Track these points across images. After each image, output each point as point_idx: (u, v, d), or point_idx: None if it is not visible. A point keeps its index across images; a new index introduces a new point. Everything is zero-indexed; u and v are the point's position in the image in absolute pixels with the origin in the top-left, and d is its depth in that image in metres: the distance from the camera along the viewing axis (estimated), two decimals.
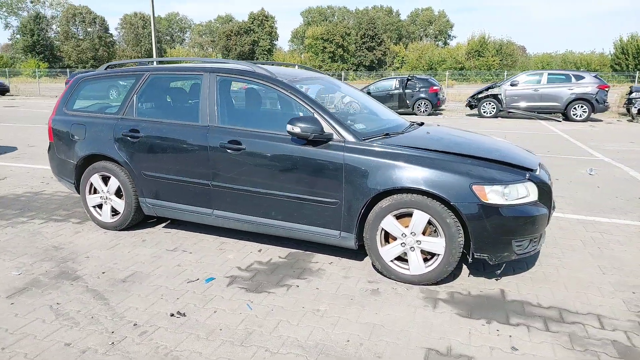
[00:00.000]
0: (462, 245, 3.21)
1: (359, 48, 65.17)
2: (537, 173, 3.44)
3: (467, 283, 3.42)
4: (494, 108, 17.04)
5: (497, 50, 54.14)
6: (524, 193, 3.26)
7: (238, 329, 2.76)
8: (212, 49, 67.71)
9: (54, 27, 62.20)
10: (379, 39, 65.43)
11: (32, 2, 61.29)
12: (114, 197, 4.28)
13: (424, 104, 18.01)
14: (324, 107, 3.57)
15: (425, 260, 3.36)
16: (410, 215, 3.29)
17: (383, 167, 3.30)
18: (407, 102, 18.07)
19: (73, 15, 60.94)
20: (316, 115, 3.51)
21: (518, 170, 3.33)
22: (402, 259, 3.43)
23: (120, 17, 78.01)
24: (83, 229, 4.42)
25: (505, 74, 36.61)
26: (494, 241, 3.18)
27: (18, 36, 59.78)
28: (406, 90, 18.11)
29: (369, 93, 18.39)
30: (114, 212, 4.33)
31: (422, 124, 4.44)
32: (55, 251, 3.88)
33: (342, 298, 3.16)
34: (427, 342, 2.67)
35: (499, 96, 16.87)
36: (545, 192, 3.37)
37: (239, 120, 3.84)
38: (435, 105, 18.15)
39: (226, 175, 3.77)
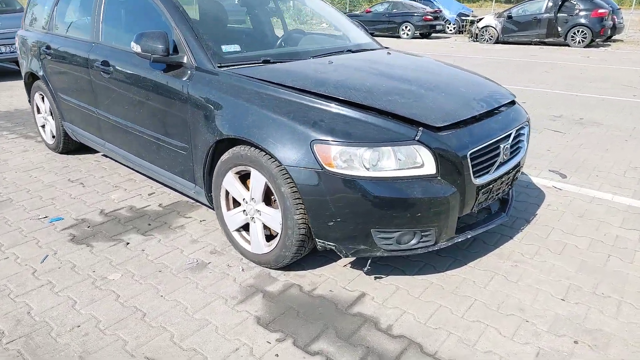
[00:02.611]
0: (301, 226, 2.27)
1: None
2: (446, 133, 2.21)
3: (328, 275, 2.48)
4: None
5: None
6: (416, 161, 2.13)
7: None
8: None
9: None
10: None
11: None
12: (50, 119, 4.14)
13: (581, 32, 14.53)
14: (186, 21, 2.74)
15: (272, 237, 2.50)
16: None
17: (226, 106, 2.44)
18: (559, 29, 14.77)
19: None
20: (177, 32, 2.72)
21: (406, 127, 2.16)
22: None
23: None
24: (34, 148, 4.42)
25: None
26: (342, 227, 2.18)
27: None
28: (559, 15, 14.76)
29: (509, 17, 15.49)
30: (53, 133, 4.20)
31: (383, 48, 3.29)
32: None
33: (153, 268, 2.54)
34: (155, 349, 1.95)
35: None
36: (452, 164, 2.17)
37: (117, 37, 3.22)
38: (598, 33, 14.44)
39: (104, 102, 3.27)
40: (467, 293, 2.36)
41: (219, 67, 2.60)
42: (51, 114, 4.09)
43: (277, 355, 1.94)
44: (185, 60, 2.65)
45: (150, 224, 3.01)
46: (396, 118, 2.21)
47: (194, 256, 2.66)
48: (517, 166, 2.61)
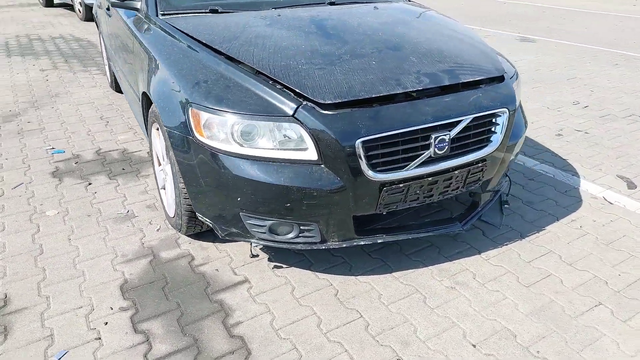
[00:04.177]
0: (186, 196, 2.11)
1: None
2: (334, 112, 1.79)
3: (230, 252, 2.30)
4: None
5: None
6: (298, 143, 1.81)
7: None
8: None
9: None
10: None
11: None
12: (108, 62, 4.49)
13: None
14: None
15: None
16: None
17: (149, 57, 2.34)
18: None
19: None
20: None
21: (287, 99, 1.81)
22: None
23: None
24: (102, 85, 4.87)
25: None
26: (212, 204, 1.96)
27: None
28: None
29: None
30: None
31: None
32: (50, 98, 4.46)
33: (86, 211, 2.64)
34: (18, 290, 2.04)
35: None
36: (337, 151, 1.77)
37: None
38: None
39: (114, 46, 3.40)
40: (359, 307, 1.97)
41: (162, 14, 2.47)
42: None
43: (106, 323, 1.88)
44: (139, 5, 2.58)
45: (124, 169, 3.11)
46: (287, 88, 1.85)
47: (132, 207, 2.68)
48: (474, 164, 2.01)
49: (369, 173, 1.79)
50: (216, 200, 1.92)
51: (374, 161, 1.80)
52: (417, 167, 1.87)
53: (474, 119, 1.96)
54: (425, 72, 1.97)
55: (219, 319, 1.90)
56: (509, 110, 2.05)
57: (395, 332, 1.84)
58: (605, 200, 2.80)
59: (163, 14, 2.48)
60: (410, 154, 1.86)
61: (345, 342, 1.80)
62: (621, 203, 2.76)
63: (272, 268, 2.19)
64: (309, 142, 1.77)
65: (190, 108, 1.89)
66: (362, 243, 1.98)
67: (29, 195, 2.79)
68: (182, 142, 1.93)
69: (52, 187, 2.88)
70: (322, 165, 1.79)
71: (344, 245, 1.96)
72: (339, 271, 2.18)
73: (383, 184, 1.84)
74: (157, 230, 2.47)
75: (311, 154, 1.78)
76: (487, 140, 2.04)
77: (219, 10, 2.49)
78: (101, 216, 2.59)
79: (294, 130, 1.77)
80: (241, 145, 1.81)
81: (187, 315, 1.92)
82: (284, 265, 2.21)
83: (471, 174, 2.02)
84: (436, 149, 1.88)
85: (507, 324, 1.89)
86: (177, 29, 2.28)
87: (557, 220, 2.59)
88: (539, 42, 7.23)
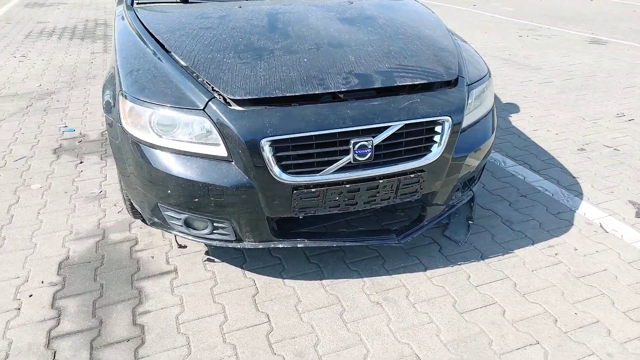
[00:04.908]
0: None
1: None
2: (242, 109, 1.74)
3: (175, 241, 2.32)
4: None
5: None
6: (210, 137, 1.79)
7: None
8: None
9: None
10: None
11: None
12: None
13: None
14: None
15: None
16: None
17: (113, 46, 2.42)
18: None
19: None
20: None
21: (200, 93, 1.79)
22: None
23: None
24: None
25: None
26: (138, 192, 2.00)
27: None
28: None
29: None
30: None
31: None
32: (86, 79, 4.77)
33: (65, 187, 2.80)
34: None
35: None
36: (244, 150, 1.72)
37: None
38: None
39: None
40: (271, 311, 1.91)
41: (137, 3, 2.54)
42: None
43: (30, 295, 1.98)
44: None
45: None
46: (205, 81, 1.82)
47: (107, 188, 2.80)
48: (407, 175, 1.86)
49: (277, 174, 1.72)
50: (139, 188, 1.94)
51: (284, 162, 1.73)
52: (334, 172, 1.77)
53: (406, 125, 1.81)
54: (358, 73, 1.85)
55: (130, 306, 1.93)
56: (452, 119, 1.87)
57: (295, 342, 1.77)
58: (601, 227, 2.48)
59: (138, 3, 2.54)
60: (327, 158, 1.76)
61: (239, 346, 1.75)
62: (619, 233, 2.43)
63: (205, 261, 2.19)
64: (219, 138, 1.74)
65: (120, 96, 1.92)
66: (281, 246, 1.91)
67: (25, 168, 3.01)
68: (114, 128, 1.98)
69: (47, 163, 3.08)
70: (232, 163, 1.75)
71: (260, 247, 1.91)
72: (269, 272, 2.13)
73: (295, 187, 1.76)
74: (118, 212, 2.56)
75: (222, 150, 1.75)
76: (426, 150, 1.88)
77: (189, 1, 2.51)
78: (76, 194, 2.73)
79: (208, 125, 1.74)
80: (159, 136, 1.81)
81: (104, 298, 1.97)
82: (217, 260, 2.20)
83: (404, 185, 1.87)
84: (356, 155, 1.76)
85: (419, 351, 1.74)
86: (138, 18, 2.33)
87: (532, 245, 2.34)
88: (610, 44, 6.54)
